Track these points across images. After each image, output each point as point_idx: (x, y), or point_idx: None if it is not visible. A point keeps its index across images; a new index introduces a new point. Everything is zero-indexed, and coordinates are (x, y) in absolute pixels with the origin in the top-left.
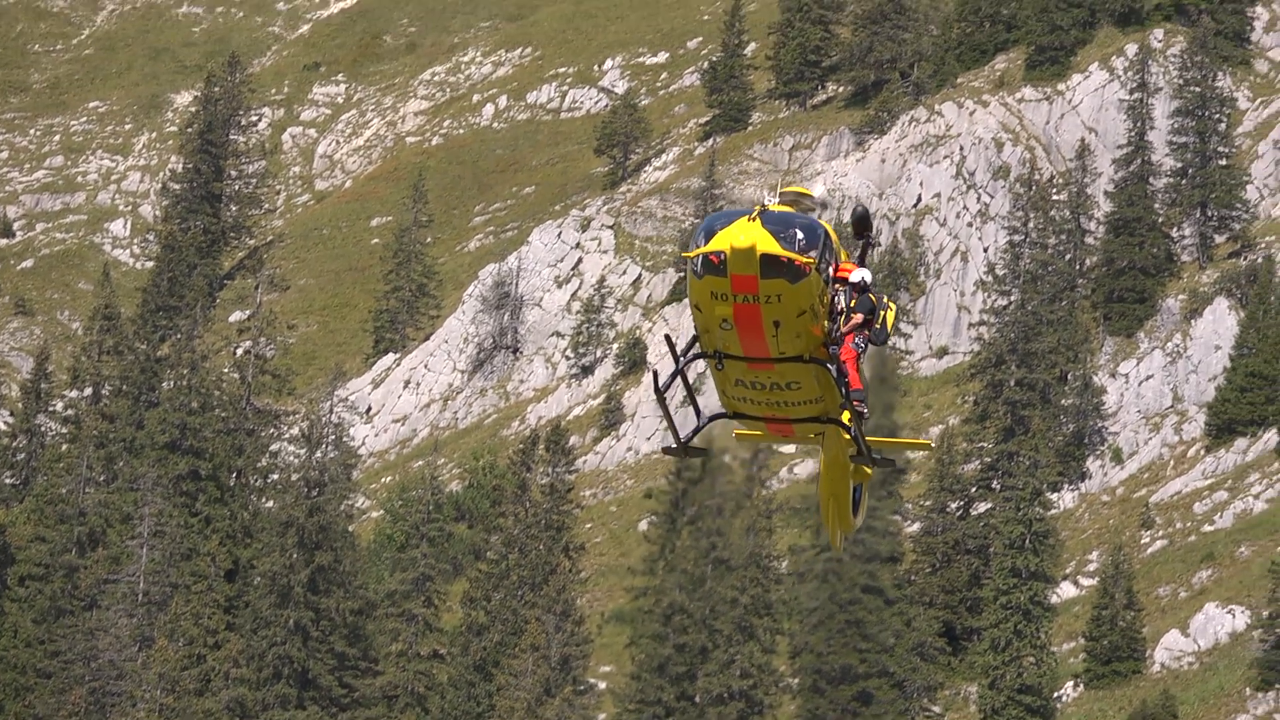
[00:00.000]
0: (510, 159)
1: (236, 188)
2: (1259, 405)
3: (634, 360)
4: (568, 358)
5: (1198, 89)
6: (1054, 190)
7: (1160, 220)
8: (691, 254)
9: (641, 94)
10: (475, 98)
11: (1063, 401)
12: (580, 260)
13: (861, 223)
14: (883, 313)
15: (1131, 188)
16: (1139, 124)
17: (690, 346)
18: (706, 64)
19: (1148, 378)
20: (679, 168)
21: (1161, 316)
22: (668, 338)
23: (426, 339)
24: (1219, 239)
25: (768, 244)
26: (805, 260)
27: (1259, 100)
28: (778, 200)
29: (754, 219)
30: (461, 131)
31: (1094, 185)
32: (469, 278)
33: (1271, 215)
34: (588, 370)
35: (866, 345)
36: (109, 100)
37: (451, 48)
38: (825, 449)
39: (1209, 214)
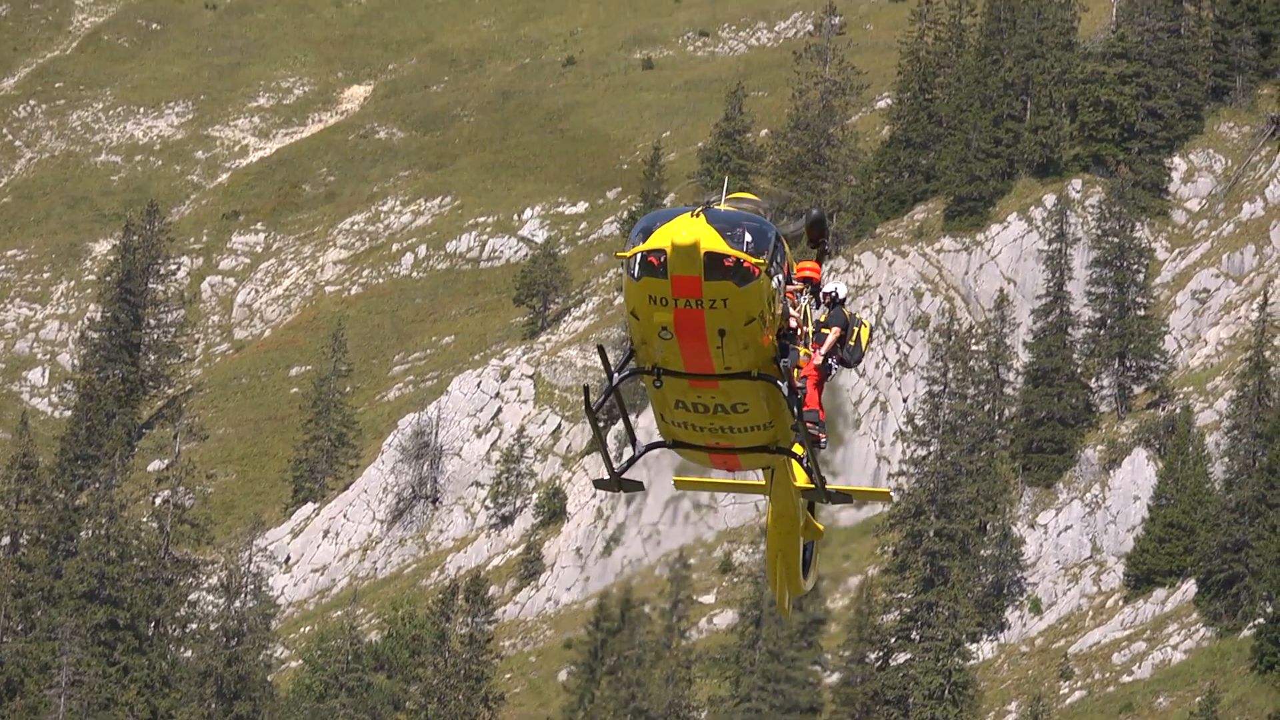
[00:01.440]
0: (430, 308)
1: (155, 336)
2: (1177, 556)
3: (553, 510)
4: (487, 508)
5: (1116, 239)
6: (973, 340)
7: (1079, 371)
8: (627, 254)
9: (561, 243)
10: (394, 247)
11: (982, 552)
12: (500, 410)
13: (816, 228)
14: (856, 330)
15: (1050, 338)
16: (1057, 274)
17: (626, 361)
18: (626, 213)
19: (1066, 528)
20: (599, 317)
21: (1080, 467)
22: (601, 349)
23: (346, 489)
24: (1137, 390)
25: (713, 241)
26: (755, 261)
27: (1177, 251)
28: (724, 202)
29: (698, 215)
30: (381, 281)
31: (1013, 335)
32: (388, 427)
33: (1190, 366)
34: (507, 520)
35: (833, 366)
36: (27, 248)
37: (370, 197)
38: (774, 497)
39: (1127, 365)
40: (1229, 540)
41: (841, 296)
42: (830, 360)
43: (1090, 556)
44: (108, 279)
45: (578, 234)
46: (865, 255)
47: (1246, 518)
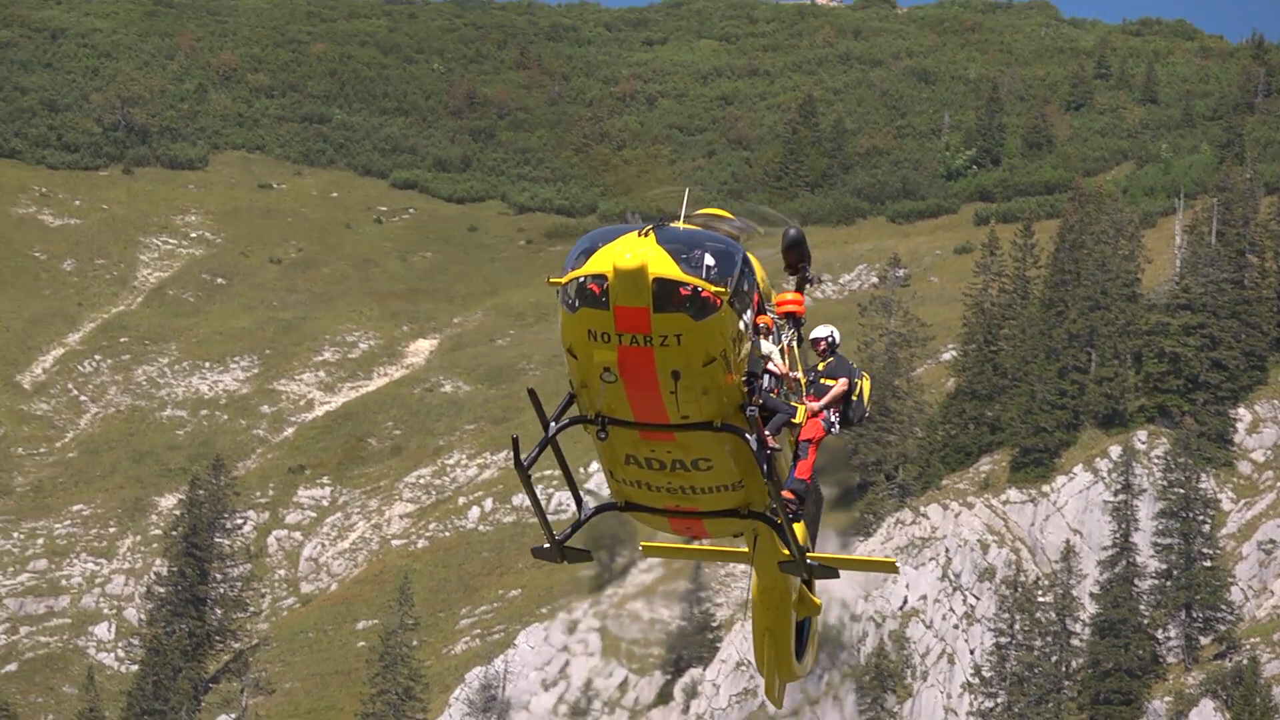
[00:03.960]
0: (496, 561)
1: (221, 591)
2: None
3: None
4: None
5: (1181, 490)
6: (1039, 592)
7: (1145, 622)
8: (563, 279)
9: None
10: (461, 500)
11: None
12: (567, 663)
13: (795, 249)
14: (859, 383)
15: (1116, 589)
16: (1124, 525)
17: (565, 407)
18: None
19: None
20: (665, 570)
21: (1148, 719)
22: (532, 393)
23: None
24: (1204, 641)
25: (663, 265)
26: (715, 290)
27: (1242, 501)
28: (685, 219)
29: (646, 234)
30: (447, 534)
31: (1079, 587)
32: (455, 681)
33: (1256, 617)
34: None
35: (834, 424)
36: (93, 503)
37: (436, 450)
38: (759, 568)
39: (1194, 616)
40: None
41: (837, 341)
42: (833, 416)
43: None
44: (174, 534)
45: None
46: (931, 507)
47: None
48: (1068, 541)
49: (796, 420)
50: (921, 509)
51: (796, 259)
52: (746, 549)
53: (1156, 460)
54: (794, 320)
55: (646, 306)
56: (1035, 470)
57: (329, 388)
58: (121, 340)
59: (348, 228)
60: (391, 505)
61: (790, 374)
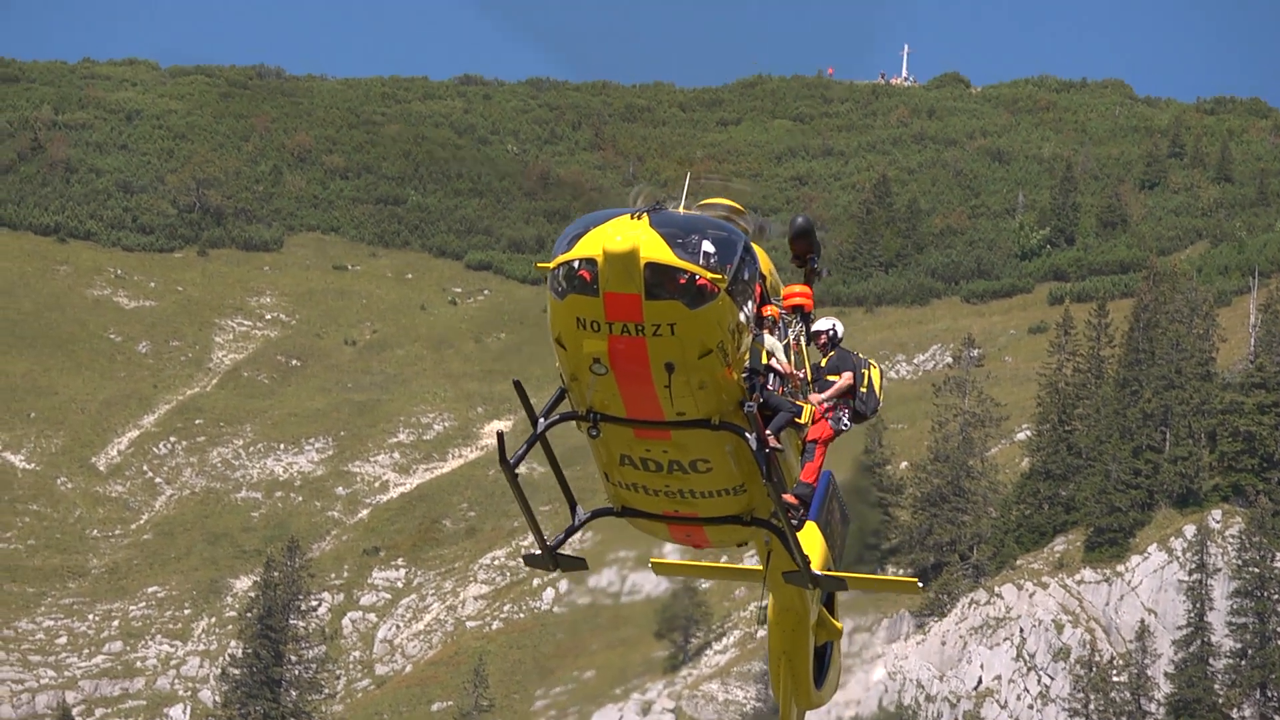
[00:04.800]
0: (571, 643)
1: (296, 673)
2: None
3: None
4: None
5: (1256, 570)
6: (1114, 671)
7: (1220, 701)
8: (551, 264)
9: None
10: (535, 582)
11: None
12: None
13: (803, 238)
14: (865, 372)
15: (1191, 669)
16: (1198, 605)
17: (555, 403)
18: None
19: None
20: (740, 651)
21: None
22: (518, 385)
23: None
24: None
25: (656, 250)
26: (712, 277)
27: None
28: (685, 204)
29: (639, 217)
30: (522, 616)
31: (1154, 666)
32: None
33: None
34: None
35: (845, 421)
36: (168, 585)
37: (511, 531)
38: (773, 589)
39: (1269, 695)
40: None
41: (840, 335)
42: (841, 413)
43: None
44: (249, 615)
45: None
46: (1006, 587)
47: None
48: (1142, 621)
49: (802, 420)
50: (996, 589)
51: (804, 249)
52: (761, 568)
53: (1231, 539)
54: (802, 315)
55: (638, 293)
56: (1110, 550)
57: (403, 469)
58: (196, 422)
59: (422, 309)
60: (466, 587)
61: (795, 371)
